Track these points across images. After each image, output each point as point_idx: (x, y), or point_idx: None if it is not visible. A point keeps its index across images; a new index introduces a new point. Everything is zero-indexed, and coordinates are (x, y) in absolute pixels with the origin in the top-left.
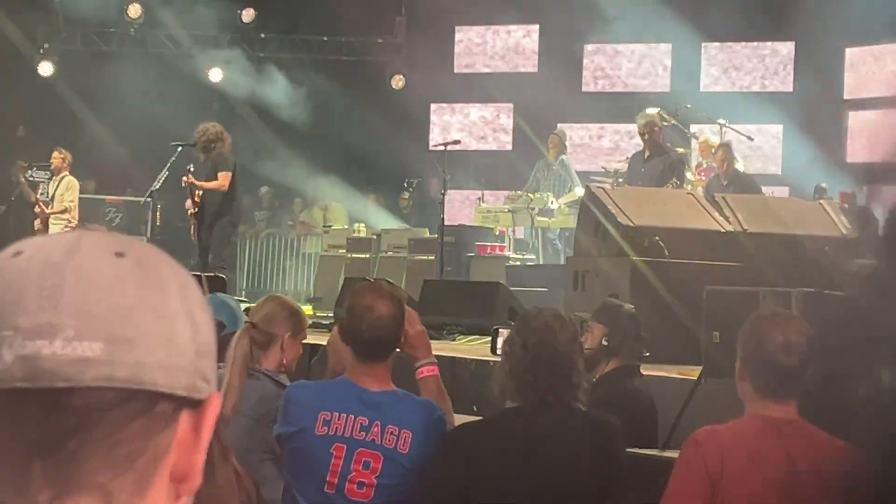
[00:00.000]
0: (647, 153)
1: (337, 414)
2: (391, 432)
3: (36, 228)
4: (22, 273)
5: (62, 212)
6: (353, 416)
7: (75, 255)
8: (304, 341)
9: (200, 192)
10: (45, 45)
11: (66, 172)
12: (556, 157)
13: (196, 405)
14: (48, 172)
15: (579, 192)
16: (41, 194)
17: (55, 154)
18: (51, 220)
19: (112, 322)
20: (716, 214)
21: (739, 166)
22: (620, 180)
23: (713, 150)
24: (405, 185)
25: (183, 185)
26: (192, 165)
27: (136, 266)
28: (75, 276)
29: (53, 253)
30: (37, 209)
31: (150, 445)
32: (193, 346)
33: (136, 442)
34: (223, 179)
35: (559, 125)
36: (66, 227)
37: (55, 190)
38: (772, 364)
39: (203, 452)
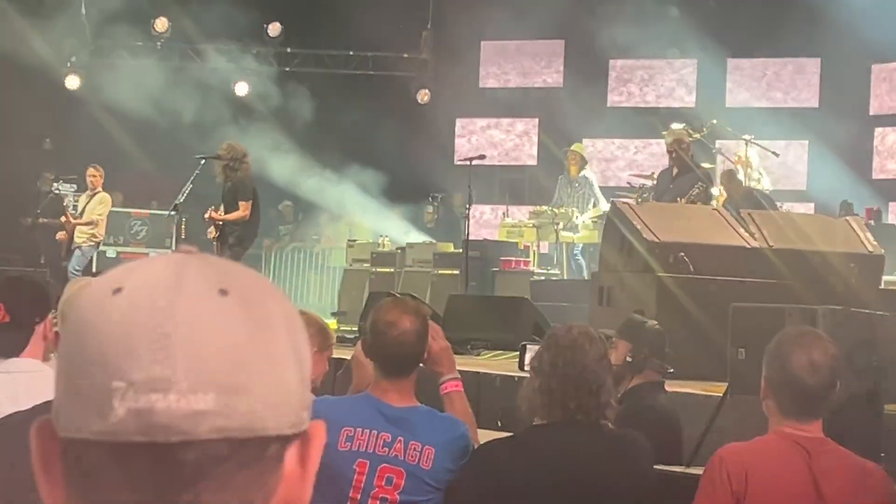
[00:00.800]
0: (675, 170)
1: (360, 429)
2: (414, 448)
3: (57, 238)
4: (128, 318)
5: (89, 223)
6: (376, 432)
7: (180, 297)
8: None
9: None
10: (73, 59)
11: (100, 189)
12: (578, 173)
13: (301, 437)
14: (74, 185)
15: (604, 207)
16: (67, 206)
17: (91, 171)
18: (76, 232)
19: (224, 371)
20: (741, 230)
21: (766, 182)
22: (645, 195)
23: (720, 183)
24: (430, 199)
25: (206, 219)
26: (214, 206)
27: (242, 305)
28: (185, 324)
29: (157, 294)
30: (63, 219)
31: (261, 488)
32: (299, 379)
33: (249, 488)
34: (244, 210)
35: (582, 140)
36: (90, 241)
37: (86, 204)
38: (796, 384)
39: (310, 483)
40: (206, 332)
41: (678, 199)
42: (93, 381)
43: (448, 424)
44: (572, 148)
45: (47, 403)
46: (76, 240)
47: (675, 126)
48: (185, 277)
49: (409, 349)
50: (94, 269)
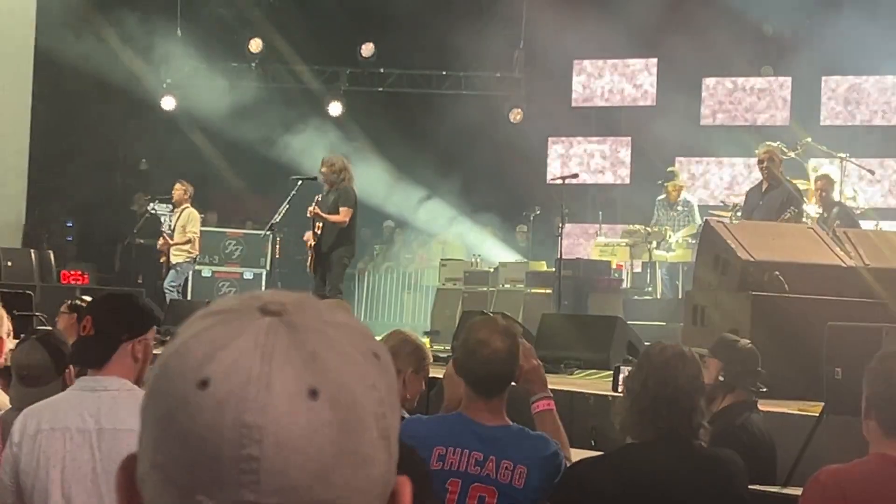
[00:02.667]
0: (764, 185)
1: (451, 449)
2: (506, 467)
3: (161, 261)
4: (215, 426)
5: (186, 242)
6: (467, 451)
7: (269, 405)
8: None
9: (321, 224)
10: (168, 80)
11: (188, 204)
12: (678, 197)
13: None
14: (170, 205)
15: (697, 225)
16: (164, 226)
17: (177, 186)
18: (172, 252)
19: (311, 488)
20: (837, 249)
21: (861, 200)
22: (739, 214)
23: (815, 179)
24: (522, 218)
25: (308, 215)
26: (319, 196)
27: (332, 408)
28: (274, 445)
29: (247, 399)
30: (160, 241)
31: None
32: (387, 467)
33: None
34: (345, 215)
35: (676, 159)
36: (188, 258)
37: (176, 221)
38: None
39: None
40: (295, 450)
41: (770, 215)
42: (178, 479)
43: (540, 443)
44: (668, 185)
45: None
46: (172, 259)
47: (769, 143)
48: (273, 370)
49: (499, 368)
50: (189, 288)
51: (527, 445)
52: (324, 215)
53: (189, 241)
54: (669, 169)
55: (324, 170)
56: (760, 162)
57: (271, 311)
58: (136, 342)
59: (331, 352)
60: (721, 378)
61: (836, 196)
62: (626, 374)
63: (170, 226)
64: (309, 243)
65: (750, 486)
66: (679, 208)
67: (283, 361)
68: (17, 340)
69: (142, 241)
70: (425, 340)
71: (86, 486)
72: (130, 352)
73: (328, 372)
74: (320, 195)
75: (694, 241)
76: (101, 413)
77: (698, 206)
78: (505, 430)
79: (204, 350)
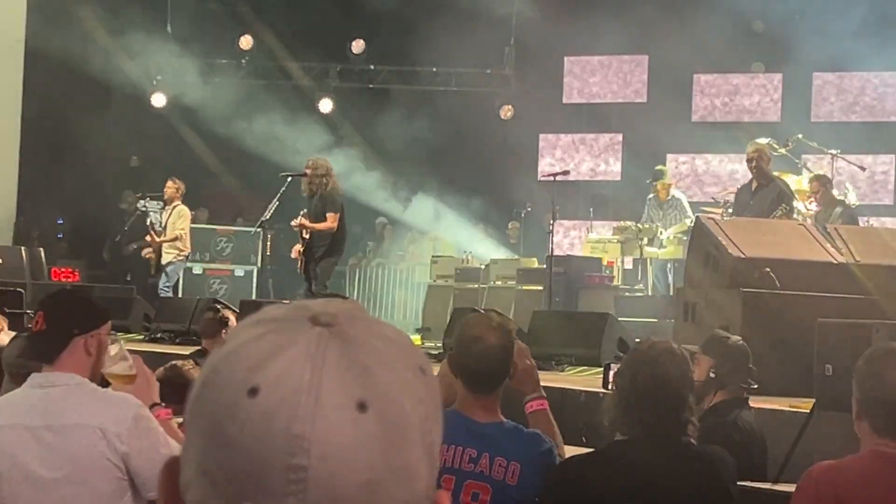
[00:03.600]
0: (754, 184)
1: (445, 446)
2: (500, 464)
3: (145, 256)
4: (264, 436)
5: (173, 240)
6: (461, 448)
7: (318, 416)
8: None
9: (308, 231)
10: (158, 77)
11: (179, 202)
12: (668, 196)
13: None
14: (160, 202)
15: (688, 222)
16: (153, 224)
17: (169, 183)
18: (164, 249)
19: (358, 502)
20: (828, 246)
21: (852, 197)
22: (730, 211)
23: (809, 181)
24: (513, 215)
25: (294, 227)
26: (304, 210)
27: (380, 422)
28: (321, 456)
29: (297, 409)
30: (148, 238)
31: None
32: (431, 474)
33: None
34: (332, 221)
35: (667, 156)
36: (178, 256)
37: (167, 219)
38: (891, 402)
39: None
40: (343, 461)
41: (761, 214)
42: (225, 486)
43: (534, 440)
44: (657, 183)
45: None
46: (165, 258)
47: (760, 140)
48: (324, 382)
49: (493, 364)
50: (180, 285)
51: (521, 443)
52: (310, 225)
53: (176, 238)
54: (657, 167)
55: (308, 171)
56: (749, 160)
57: (322, 322)
58: (89, 337)
59: (380, 366)
60: (712, 375)
61: (836, 195)
62: (616, 370)
63: (160, 223)
64: (297, 251)
65: (740, 483)
66: (669, 206)
67: (334, 373)
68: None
69: (134, 245)
70: (416, 338)
71: (34, 482)
72: (83, 346)
73: (378, 386)
74: (305, 210)
75: (685, 238)
76: (48, 409)
77: (689, 202)
78: (499, 427)
79: (254, 358)
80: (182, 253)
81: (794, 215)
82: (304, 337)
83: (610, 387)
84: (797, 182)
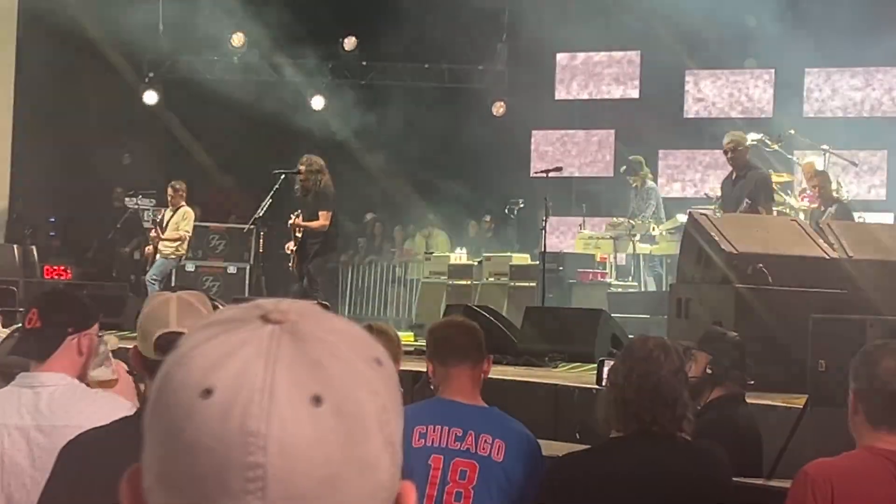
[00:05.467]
0: (734, 174)
1: (432, 426)
2: (485, 441)
3: (146, 254)
4: (221, 436)
5: (176, 239)
6: (447, 428)
7: (273, 413)
8: (404, 368)
9: (301, 230)
10: (150, 75)
11: (183, 203)
12: (643, 185)
13: None
14: (152, 199)
15: (681, 218)
16: (159, 220)
17: (169, 190)
18: (161, 245)
19: (319, 497)
20: (820, 241)
21: (843, 193)
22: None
23: (809, 179)
24: (507, 210)
25: (289, 225)
26: (298, 210)
27: (336, 415)
28: (278, 451)
29: (251, 409)
30: (151, 233)
31: None
32: (392, 471)
33: None
34: (324, 219)
35: (660, 152)
36: (175, 254)
37: (170, 218)
38: (887, 391)
39: None
40: (301, 457)
41: (741, 204)
42: (185, 489)
43: (518, 425)
44: (636, 174)
45: (123, 421)
46: (162, 251)
47: (753, 135)
48: (277, 378)
49: (461, 336)
50: (172, 282)
51: (506, 424)
52: (305, 224)
53: (180, 239)
54: (631, 157)
55: (302, 168)
56: (725, 152)
57: (273, 320)
58: (82, 336)
59: (333, 359)
60: (709, 371)
61: (834, 193)
62: (610, 367)
63: (159, 220)
64: (290, 249)
65: (735, 479)
66: (643, 195)
67: (287, 369)
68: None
69: (127, 249)
70: (409, 334)
71: (24, 482)
72: (76, 346)
73: (331, 379)
74: (300, 210)
75: (678, 234)
76: (38, 410)
77: (681, 198)
78: (483, 409)
79: (207, 359)
80: (178, 252)
81: (777, 208)
82: (256, 335)
83: (604, 383)
84: (790, 177)
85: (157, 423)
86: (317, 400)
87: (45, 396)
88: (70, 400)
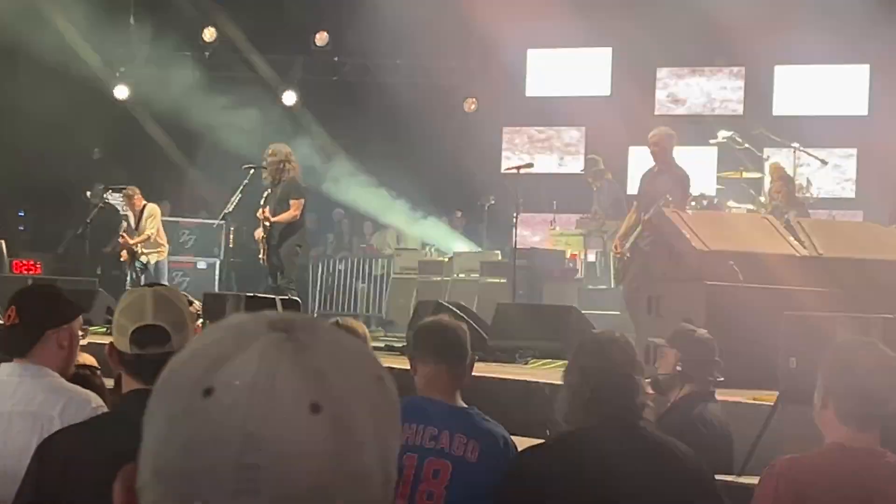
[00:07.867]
0: (656, 168)
1: (407, 425)
2: (460, 441)
3: (122, 259)
4: (218, 435)
5: (145, 240)
6: (422, 426)
7: (271, 416)
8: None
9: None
10: (122, 69)
11: (143, 202)
12: (602, 183)
13: None
14: (123, 196)
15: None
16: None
17: (127, 193)
18: (142, 249)
19: (309, 502)
20: (791, 239)
21: (814, 190)
22: (694, 204)
23: (773, 181)
24: (477, 207)
25: (259, 217)
26: (266, 197)
27: (333, 424)
28: (273, 453)
29: (251, 410)
30: (121, 240)
31: None
32: (386, 480)
33: None
34: (295, 209)
35: (630, 149)
36: (160, 255)
37: (138, 221)
38: (859, 388)
39: None
40: (295, 461)
41: (656, 200)
42: (178, 486)
43: (495, 427)
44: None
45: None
46: (149, 258)
47: (723, 133)
48: (278, 383)
49: (449, 335)
50: (141, 280)
51: (481, 425)
52: (275, 219)
53: (149, 238)
54: (590, 156)
55: (269, 158)
56: (651, 146)
57: (280, 328)
58: (61, 331)
59: (335, 371)
60: (679, 368)
61: (804, 192)
62: (565, 367)
63: (131, 224)
64: (260, 236)
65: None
66: (603, 192)
67: (288, 375)
68: None
69: (108, 248)
70: (379, 331)
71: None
72: (56, 340)
73: (331, 390)
74: (267, 192)
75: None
76: (16, 395)
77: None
78: (460, 409)
79: (211, 360)
80: (159, 249)
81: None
82: (261, 341)
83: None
84: (759, 175)
85: (158, 417)
86: (315, 408)
87: (25, 384)
88: (44, 389)
